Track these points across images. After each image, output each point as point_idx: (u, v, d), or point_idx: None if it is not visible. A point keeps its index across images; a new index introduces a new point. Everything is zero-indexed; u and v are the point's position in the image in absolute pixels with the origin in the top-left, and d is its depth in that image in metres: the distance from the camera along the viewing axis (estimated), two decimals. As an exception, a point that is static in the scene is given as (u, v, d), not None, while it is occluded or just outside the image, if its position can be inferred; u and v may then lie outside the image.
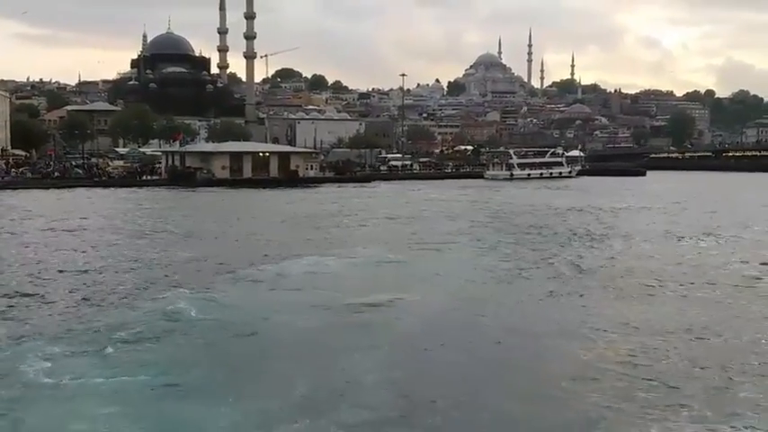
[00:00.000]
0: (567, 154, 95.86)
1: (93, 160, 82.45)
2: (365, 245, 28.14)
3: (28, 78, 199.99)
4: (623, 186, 68.03)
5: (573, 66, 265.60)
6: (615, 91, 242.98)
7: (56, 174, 66.30)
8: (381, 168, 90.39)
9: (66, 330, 14.57)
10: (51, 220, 36.85)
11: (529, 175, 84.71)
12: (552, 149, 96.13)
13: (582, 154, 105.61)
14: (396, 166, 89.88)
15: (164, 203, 49.33)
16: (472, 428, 10.21)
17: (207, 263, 23.68)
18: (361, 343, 13.96)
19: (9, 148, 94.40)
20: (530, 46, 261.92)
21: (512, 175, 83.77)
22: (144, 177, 69.29)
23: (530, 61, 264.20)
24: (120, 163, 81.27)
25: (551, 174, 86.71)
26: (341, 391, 11.38)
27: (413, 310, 17.02)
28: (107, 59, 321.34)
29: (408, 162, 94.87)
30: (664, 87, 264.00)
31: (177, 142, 76.56)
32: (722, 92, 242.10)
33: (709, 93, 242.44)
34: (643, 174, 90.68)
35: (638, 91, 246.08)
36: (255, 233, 32.66)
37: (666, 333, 14.84)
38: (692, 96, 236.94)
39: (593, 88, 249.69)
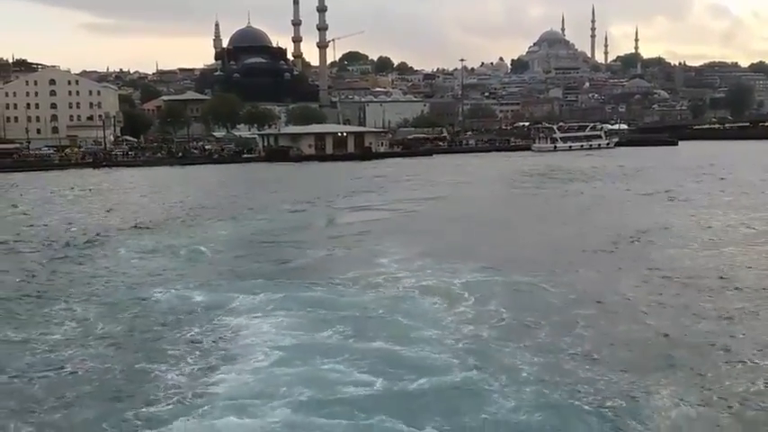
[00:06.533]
0: (608, 127, 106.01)
1: (201, 143, 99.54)
2: (417, 189, 43.61)
3: (107, 68, 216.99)
4: (645, 154, 78.71)
5: (637, 40, 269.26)
6: (679, 64, 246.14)
7: (180, 154, 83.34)
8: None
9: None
10: (205, 182, 53.77)
11: (570, 146, 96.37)
12: (592, 124, 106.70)
13: (625, 127, 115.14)
14: None
15: (271, 172, 65.37)
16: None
17: (311, 195, 39.81)
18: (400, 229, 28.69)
19: (120, 135, 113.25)
20: (593, 21, 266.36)
21: (555, 147, 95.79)
22: (244, 155, 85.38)
23: (593, 36, 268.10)
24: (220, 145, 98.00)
25: (590, 145, 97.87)
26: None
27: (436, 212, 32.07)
28: (178, 47, 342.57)
29: None
30: (735, 57, 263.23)
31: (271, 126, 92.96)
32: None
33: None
34: (675, 144, 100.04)
35: (703, 63, 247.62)
36: (339, 184, 48.47)
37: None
38: (758, 67, 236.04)
39: (658, 61, 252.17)
